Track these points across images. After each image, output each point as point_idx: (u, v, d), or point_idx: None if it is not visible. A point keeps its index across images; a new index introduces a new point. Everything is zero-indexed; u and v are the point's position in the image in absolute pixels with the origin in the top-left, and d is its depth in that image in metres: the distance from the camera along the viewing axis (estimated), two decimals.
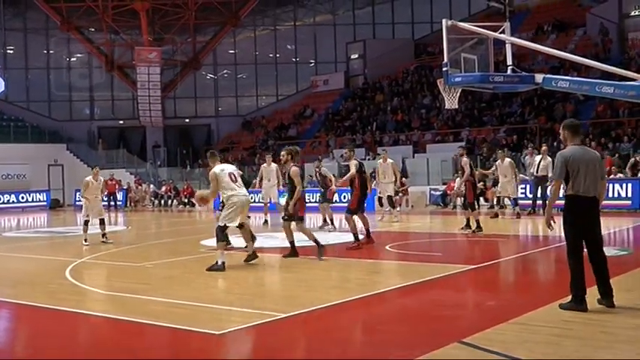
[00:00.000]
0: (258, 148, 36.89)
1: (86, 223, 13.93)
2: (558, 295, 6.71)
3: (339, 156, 30.26)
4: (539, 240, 14.05)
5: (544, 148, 19.71)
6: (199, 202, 11.06)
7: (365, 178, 12.35)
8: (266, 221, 17.85)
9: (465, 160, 14.33)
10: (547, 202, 6.70)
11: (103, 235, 14.05)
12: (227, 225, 9.66)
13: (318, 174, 16.93)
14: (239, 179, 9.87)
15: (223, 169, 9.86)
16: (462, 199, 14.82)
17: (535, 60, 30.09)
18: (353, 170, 12.10)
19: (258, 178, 18.20)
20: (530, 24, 36.54)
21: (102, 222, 14.24)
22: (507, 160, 18.57)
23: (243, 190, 9.85)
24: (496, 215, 18.02)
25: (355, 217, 11.98)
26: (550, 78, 10.84)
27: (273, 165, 17.87)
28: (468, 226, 14.18)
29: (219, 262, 9.45)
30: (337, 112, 37.96)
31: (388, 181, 18.12)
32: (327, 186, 16.14)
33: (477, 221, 14.13)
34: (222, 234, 9.63)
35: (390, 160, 18.31)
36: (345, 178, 12.73)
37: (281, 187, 17.07)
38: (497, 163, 18.67)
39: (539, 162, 18.78)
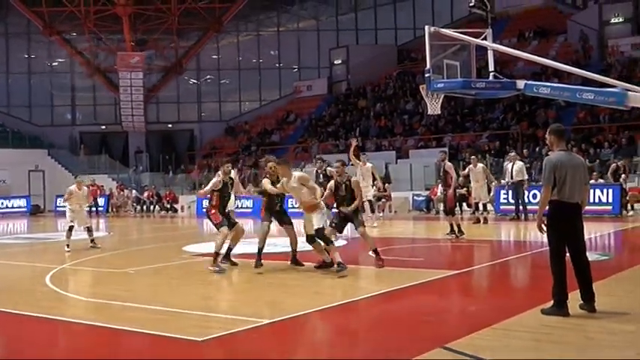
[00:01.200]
0: (241, 153, 36.81)
1: (70, 229, 13.80)
2: (540, 300, 6.74)
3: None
4: (522, 245, 14.12)
5: (512, 153, 19.88)
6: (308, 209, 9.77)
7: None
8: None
9: (449, 164, 14.37)
10: (538, 206, 6.71)
11: (92, 240, 13.99)
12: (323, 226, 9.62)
13: (322, 176, 15.72)
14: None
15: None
16: (442, 204, 14.80)
17: (517, 66, 30.32)
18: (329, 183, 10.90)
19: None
20: (512, 30, 36.85)
21: (89, 229, 14.18)
22: (480, 165, 18.64)
23: None
24: (478, 221, 18.07)
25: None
26: (532, 84, 10.90)
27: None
28: (452, 231, 14.19)
29: (339, 263, 9.25)
30: (320, 117, 37.99)
31: (366, 185, 17.72)
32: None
33: (459, 226, 14.17)
34: (325, 236, 9.56)
35: (369, 164, 17.97)
36: (326, 194, 10.55)
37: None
38: (469, 167, 18.68)
39: (512, 168, 18.96)
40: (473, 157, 19.84)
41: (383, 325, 6.61)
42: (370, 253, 10.21)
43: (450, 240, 13.81)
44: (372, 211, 18.45)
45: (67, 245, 13.50)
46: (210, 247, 13.07)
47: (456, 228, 14.09)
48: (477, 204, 19.10)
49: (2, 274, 11.44)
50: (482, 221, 17.82)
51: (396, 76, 38.45)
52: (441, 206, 20.60)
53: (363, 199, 12.44)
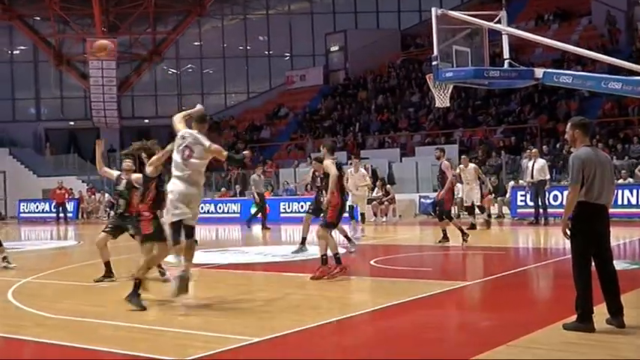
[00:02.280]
0: (227, 151, 36.76)
1: None
2: (561, 314, 6.75)
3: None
4: (541, 253, 14.15)
5: (534, 150, 19.92)
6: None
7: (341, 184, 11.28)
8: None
9: (446, 163, 14.43)
10: (564, 209, 6.70)
11: (4, 258, 12.79)
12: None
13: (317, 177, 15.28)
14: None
15: (184, 137, 8.79)
16: (438, 208, 14.80)
17: (535, 53, 30.38)
18: (333, 171, 10.59)
19: None
20: (529, 13, 36.91)
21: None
22: (471, 165, 18.44)
23: None
24: (472, 226, 17.74)
25: None
26: (551, 73, 10.93)
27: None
28: (445, 237, 14.38)
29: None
30: (315, 111, 38.00)
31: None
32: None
33: (444, 231, 14.34)
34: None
35: (362, 170, 17.50)
36: (330, 185, 10.58)
37: None
38: (460, 167, 18.45)
39: (532, 166, 18.99)
40: (464, 156, 19.67)
41: (385, 343, 6.61)
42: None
43: (442, 246, 13.94)
44: (363, 220, 17.64)
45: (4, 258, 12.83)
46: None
47: (458, 232, 14.19)
48: (470, 208, 18.75)
49: None
50: (476, 226, 17.74)
51: (399, 64, 38.48)
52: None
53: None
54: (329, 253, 10.06)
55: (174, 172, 8.27)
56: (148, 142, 9.48)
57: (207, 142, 8.36)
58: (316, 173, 13.71)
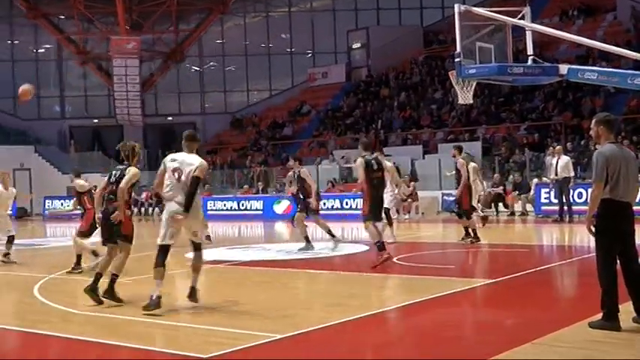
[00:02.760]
0: (249, 149, 36.91)
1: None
2: (587, 312, 6.71)
3: (340, 157, 30.32)
4: (566, 250, 14.06)
5: (558, 147, 19.78)
6: None
7: (377, 178, 11.36)
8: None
9: (461, 161, 14.26)
10: (588, 206, 6.66)
11: (6, 254, 13.29)
12: None
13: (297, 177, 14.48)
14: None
15: (174, 159, 8.30)
16: (457, 206, 14.57)
17: (559, 49, 30.14)
18: (361, 171, 11.22)
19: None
20: (553, 8, 36.63)
21: (11, 239, 13.61)
22: (472, 164, 17.41)
23: None
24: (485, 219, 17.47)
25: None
26: (576, 69, 10.87)
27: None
28: (468, 235, 14.09)
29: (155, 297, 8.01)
30: (337, 108, 37.99)
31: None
32: (306, 193, 13.71)
33: (474, 231, 14.02)
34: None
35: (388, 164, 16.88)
36: (360, 181, 11.54)
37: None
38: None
39: (556, 163, 18.85)
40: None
41: (409, 341, 6.61)
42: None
43: (465, 245, 13.77)
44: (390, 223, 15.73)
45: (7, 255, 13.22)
46: (214, 254, 13.16)
47: (471, 232, 14.02)
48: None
49: None
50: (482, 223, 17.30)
51: (422, 61, 38.35)
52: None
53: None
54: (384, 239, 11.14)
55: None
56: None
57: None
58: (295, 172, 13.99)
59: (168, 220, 8.04)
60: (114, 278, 8.51)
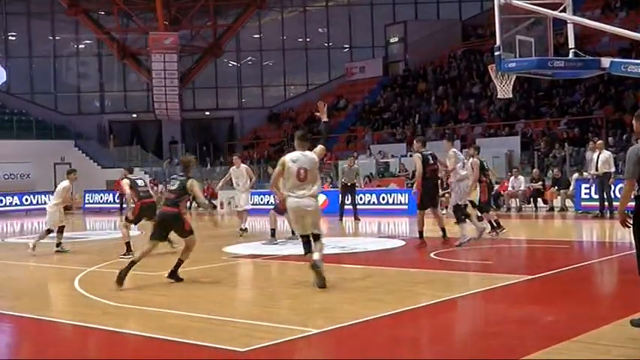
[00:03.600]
0: (286, 144, 37.00)
1: (49, 232, 14.24)
2: (628, 310, 6.63)
3: (377, 152, 30.26)
4: (606, 247, 13.87)
5: (599, 142, 19.51)
6: None
7: (432, 171, 12.63)
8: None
9: (474, 160, 14.30)
10: (620, 202, 6.62)
11: (59, 244, 14.27)
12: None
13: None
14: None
15: (295, 160, 9.19)
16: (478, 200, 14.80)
17: (601, 42, 29.66)
18: (419, 165, 12.50)
19: (222, 182, 18.57)
20: (595, 0, 36.05)
21: (62, 230, 14.43)
22: (473, 159, 16.26)
23: None
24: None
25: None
26: (619, 62, 10.70)
27: (243, 166, 17.97)
28: (494, 227, 14.46)
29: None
30: (375, 103, 37.89)
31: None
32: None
33: (490, 222, 14.43)
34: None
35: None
36: (417, 177, 12.95)
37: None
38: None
39: (597, 158, 18.59)
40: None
41: (446, 337, 6.59)
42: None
43: (494, 239, 13.78)
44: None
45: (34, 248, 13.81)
46: (253, 248, 13.24)
47: (494, 223, 14.49)
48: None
49: (26, 276, 11.78)
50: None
51: (460, 55, 38.04)
52: (513, 202, 20.28)
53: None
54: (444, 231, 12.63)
55: None
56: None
57: None
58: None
59: (291, 215, 9.15)
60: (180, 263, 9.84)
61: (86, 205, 34.76)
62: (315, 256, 8.89)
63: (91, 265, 11.85)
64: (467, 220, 13.09)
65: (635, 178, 6.30)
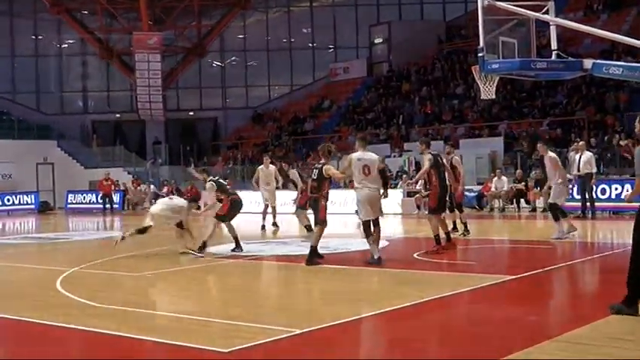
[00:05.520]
0: (270, 144, 36.97)
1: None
2: (608, 310, 6.68)
3: None
4: (587, 247, 13.95)
5: (581, 143, 19.63)
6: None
7: (443, 172, 12.38)
8: (263, 226, 18.22)
9: (456, 158, 14.54)
10: (631, 192, 6.89)
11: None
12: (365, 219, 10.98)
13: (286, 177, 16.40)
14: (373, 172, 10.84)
15: (360, 158, 10.70)
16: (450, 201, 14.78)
17: (583, 43, 29.86)
18: (426, 165, 12.12)
19: (253, 181, 18.59)
20: (578, 3, 36.28)
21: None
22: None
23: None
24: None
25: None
26: (601, 64, 10.75)
27: (272, 167, 18.18)
28: (467, 229, 14.62)
29: (376, 257, 10.70)
30: (359, 103, 37.94)
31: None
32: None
33: (465, 224, 14.63)
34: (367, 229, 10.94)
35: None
36: (418, 175, 13.26)
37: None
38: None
39: (579, 159, 18.72)
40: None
41: (428, 337, 6.61)
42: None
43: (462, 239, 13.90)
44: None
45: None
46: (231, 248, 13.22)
47: (461, 225, 14.59)
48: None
49: (8, 277, 11.69)
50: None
51: (444, 55, 38.17)
52: (496, 203, 20.36)
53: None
54: (441, 234, 11.94)
55: None
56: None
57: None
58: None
59: (364, 202, 10.63)
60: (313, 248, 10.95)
61: (69, 206, 34.57)
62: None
63: (74, 265, 11.77)
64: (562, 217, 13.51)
65: None
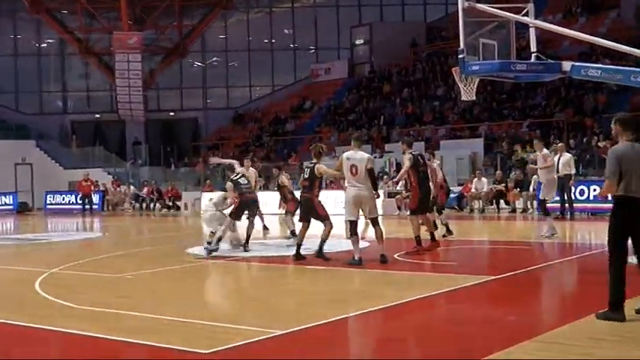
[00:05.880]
0: (251, 144, 36.91)
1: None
2: (587, 309, 6.73)
3: (342, 153, 30.29)
4: (566, 248, 14.05)
5: (560, 144, 19.74)
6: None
7: (423, 172, 12.11)
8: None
9: (435, 164, 14.24)
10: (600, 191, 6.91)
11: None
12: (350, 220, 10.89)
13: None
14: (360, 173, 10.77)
15: (349, 158, 10.78)
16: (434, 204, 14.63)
17: (562, 46, 30.08)
18: (407, 165, 11.90)
19: None
20: (557, 5, 36.56)
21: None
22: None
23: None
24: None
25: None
26: (579, 66, 10.83)
27: (252, 170, 18.05)
28: (449, 230, 14.51)
29: (357, 258, 10.66)
30: (340, 104, 37.98)
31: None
32: (285, 197, 15.10)
33: (446, 225, 14.57)
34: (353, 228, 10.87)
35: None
36: (399, 175, 13.31)
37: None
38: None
39: (558, 160, 18.82)
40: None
41: (409, 337, 6.61)
42: None
43: (450, 241, 13.88)
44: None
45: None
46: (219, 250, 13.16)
47: (442, 227, 14.39)
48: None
49: None
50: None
51: (425, 57, 38.31)
52: (476, 204, 20.42)
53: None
54: (426, 234, 12.03)
55: None
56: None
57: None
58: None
59: (349, 202, 10.70)
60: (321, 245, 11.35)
61: (48, 206, 34.31)
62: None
63: (53, 266, 11.67)
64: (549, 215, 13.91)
65: (616, 177, 6.52)
